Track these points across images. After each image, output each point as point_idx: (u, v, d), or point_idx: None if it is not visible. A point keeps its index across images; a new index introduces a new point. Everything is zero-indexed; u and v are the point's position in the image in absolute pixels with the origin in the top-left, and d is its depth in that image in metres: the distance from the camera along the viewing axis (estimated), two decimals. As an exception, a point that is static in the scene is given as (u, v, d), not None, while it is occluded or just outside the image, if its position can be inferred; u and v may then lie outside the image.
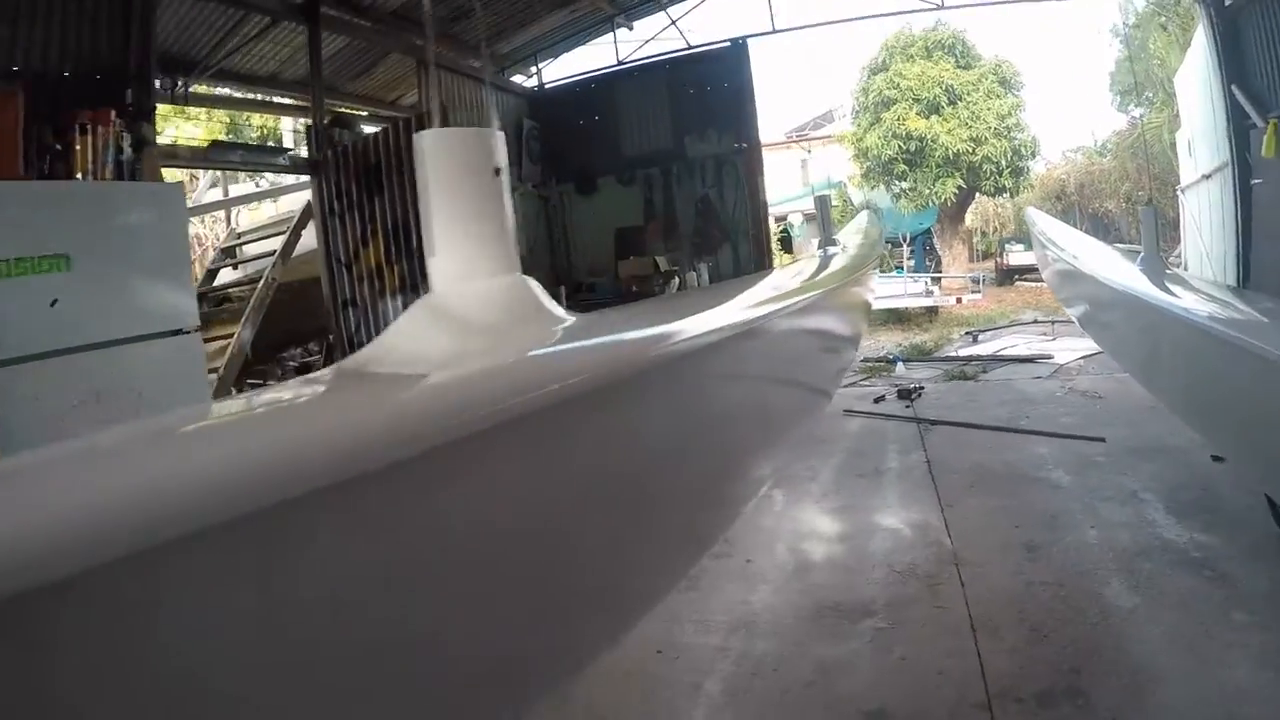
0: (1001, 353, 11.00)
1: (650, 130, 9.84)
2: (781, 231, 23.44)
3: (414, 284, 6.57)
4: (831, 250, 4.33)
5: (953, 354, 11.49)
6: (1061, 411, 7.17)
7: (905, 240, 20.77)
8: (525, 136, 10.17)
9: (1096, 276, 4.46)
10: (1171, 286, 3.86)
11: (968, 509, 5.03)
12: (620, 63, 10.09)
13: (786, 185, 25.33)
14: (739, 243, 9.37)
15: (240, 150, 7.72)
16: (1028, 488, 5.32)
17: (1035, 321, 13.32)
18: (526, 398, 0.98)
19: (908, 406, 7.90)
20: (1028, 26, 44.31)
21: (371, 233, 6.96)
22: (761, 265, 9.34)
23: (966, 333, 13.27)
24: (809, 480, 5.92)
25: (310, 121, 7.96)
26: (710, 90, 9.41)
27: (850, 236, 5.18)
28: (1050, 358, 10.06)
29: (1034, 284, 19.39)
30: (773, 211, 24.55)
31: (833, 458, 6.40)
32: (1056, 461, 5.78)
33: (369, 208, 6.93)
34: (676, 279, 9.07)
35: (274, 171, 8.77)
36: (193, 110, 10.41)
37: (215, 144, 7.61)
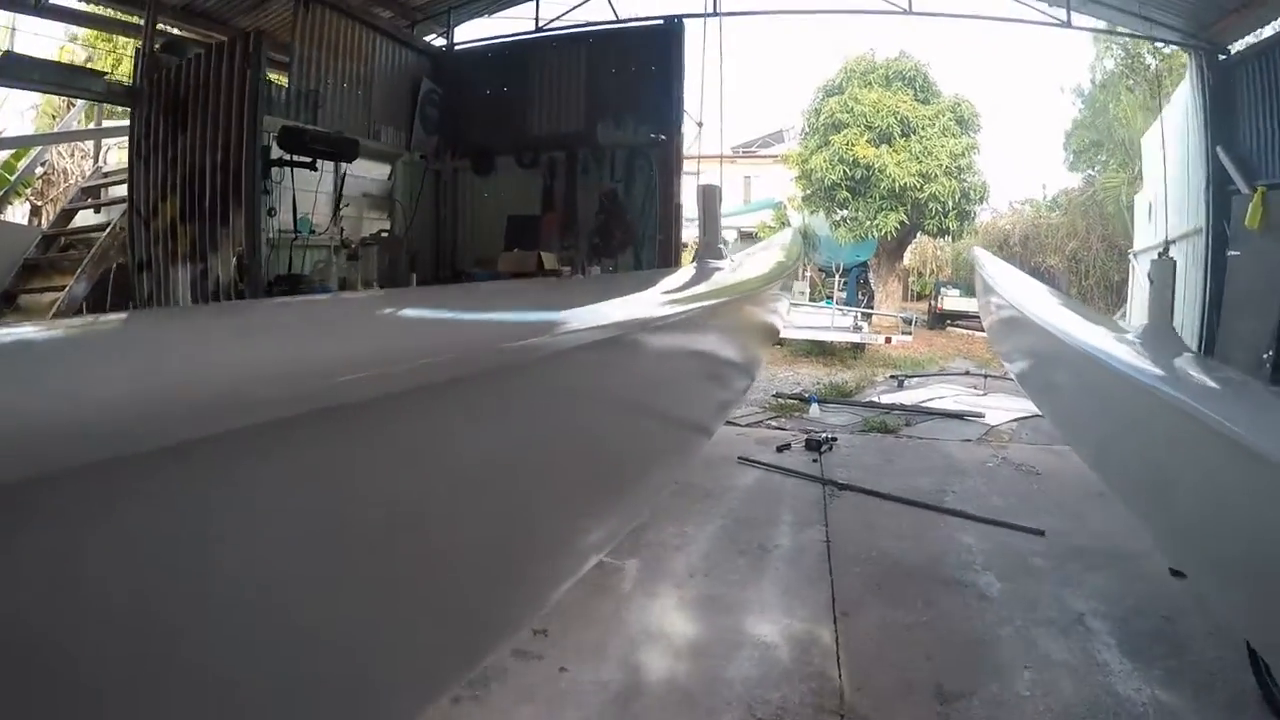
0: (928, 404, 9.97)
1: (562, 109, 8.54)
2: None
3: (204, 251, 5.16)
4: (714, 264, 3.22)
5: (875, 399, 10.43)
6: (992, 489, 6.08)
7: (839, 270, 19.84)
8: (421, 100, 8.81)
9: (1052, 330, 3.60)
10: (1177, 363, 2.76)
11: (868, 623, 3.85)
12: (538, 28, 8.79)
13: (727, 200, 24.43)
14: (643, 248, 8.06)
15: (40, 68, 6.18)
16: (948, 595, 4.16)
17: (967, 374, 12.32)
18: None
19: (815, 461, 6.74)
20: (990, 72, 44.10)
21: (172, 184, 5.54)
22: (666, 277, 8.16)
23: (892, 376, 12.24)
24: (676, 550, 4.70)
25: (141, 42, 6.53)
26: (634, 72, 8.13)
27: (764, 252, 4.74)
28: (981, 416, 9.05)
29: (966, 331, 18.66)
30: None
31: (712, 521, 5.19)
32: (985, 558, 4.65)
33: (173, 151, 5.51)
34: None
35: (87, 99, 7.25)
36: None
37: (5, 55, 6.09)
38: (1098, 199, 18.67)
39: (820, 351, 14.76)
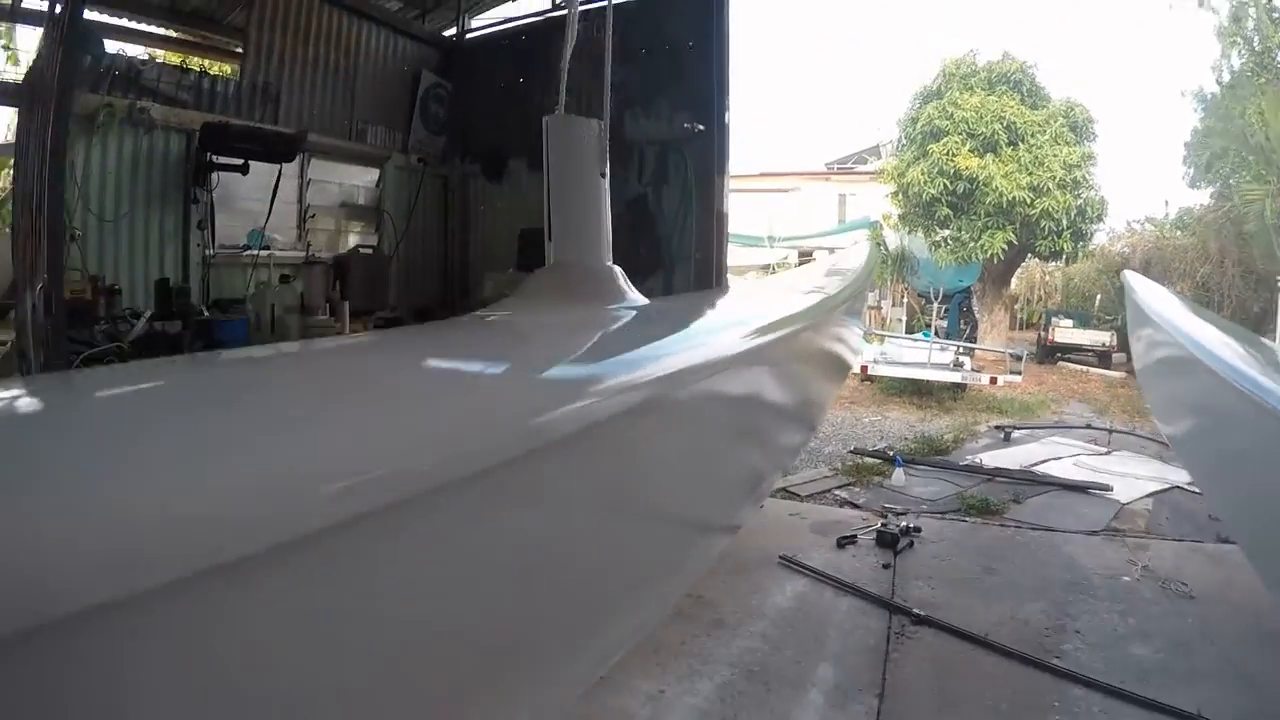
0: (1041, 467, 8.05)
1: (582, 99, 6.98)
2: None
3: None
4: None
5: (976, 459, 8.54)
6: (1131, 625, 4.20)
7: (938, 298, 17.78)
8: (423, 95, 7.42)
9: (1235, 382, 2.56)
10: None
11: None
12: (555, 6, 7.24)
13: (820, 219, 22.60)
14: (677, 268, 6.33)
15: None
16: None
17: (1089, 427, 10.17)
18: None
19: (887, 567, 4.95)
20: (1099, 76, 41.06)
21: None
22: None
23: (997, 427, 10.26)
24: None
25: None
26: (667, 50, 6.43)
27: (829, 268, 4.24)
28: (1108, 489, 7.11)
29: (1080, 367, 16.47)
30: (797, 245, 22.16)
31: (708, 677, 3.49)
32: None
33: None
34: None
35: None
36: None
37: None
38: (1233, 216, 16.09)
39: (915, 390, 12.83)
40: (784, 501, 6.51)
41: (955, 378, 12.39)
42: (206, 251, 5.75)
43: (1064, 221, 14.78)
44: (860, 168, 25.72)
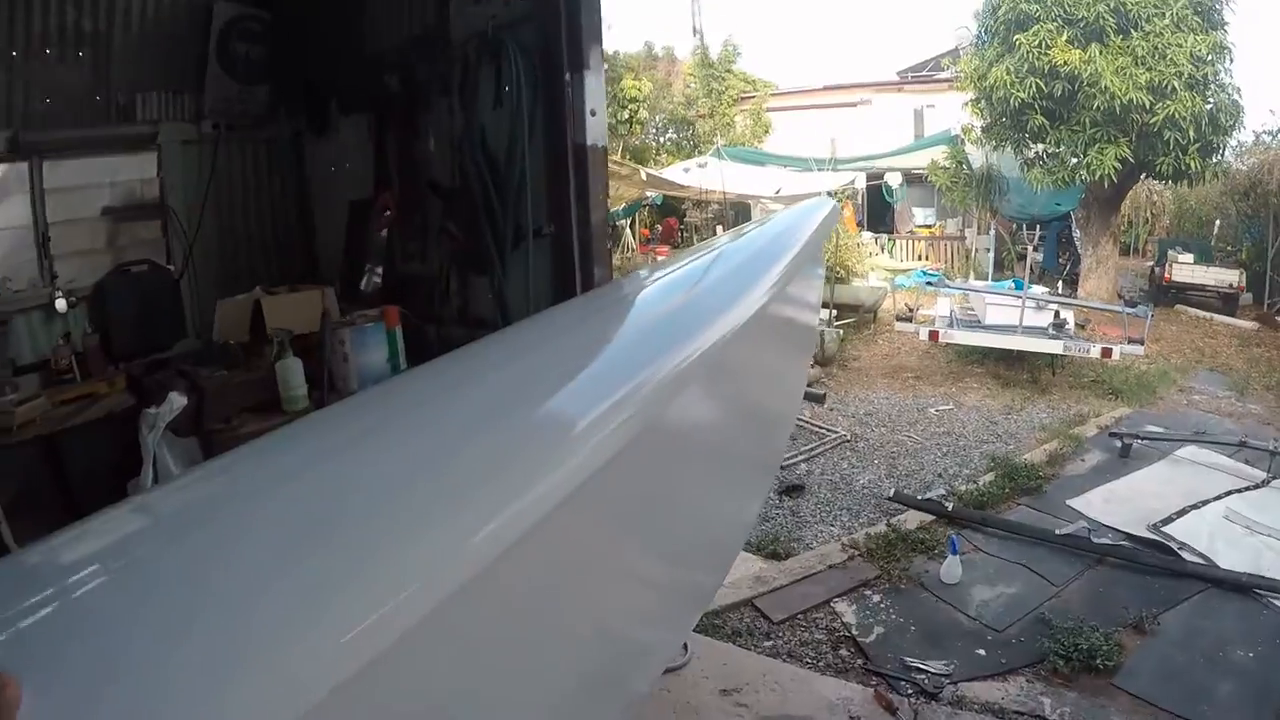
0: (1181, 533, 5.45)
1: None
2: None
3: None
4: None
5: (1079, 508, 5.97)
6: None
7: (1030, 225, 14.68)
8: (220, 34, 4.89)
9: None
10: None
11: None
12: None
13: (894, 136, 19.38)
14: (509, 260, 3.40)
15: None
16: None
17: (1243, 444, 7.02)
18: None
19: None
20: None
21: None
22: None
23: (1112, 434, 7.40)
24: None
25: None
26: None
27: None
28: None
29: (1201, 313, 13.26)
30: (866, 167, 18.95)
31: None
32: None
33: None
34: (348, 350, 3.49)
35: None
36: None
37: None
38: None
39: (1001, 358, 10.11)
40: (726, 646, 4.12)
41: (1055, 347, 9.40)
42: None
43: (1191, 132, 11.44)
44: (939, 75, 22.08)
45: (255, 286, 4.65)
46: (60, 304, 4.21)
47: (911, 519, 5.86)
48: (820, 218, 2.92)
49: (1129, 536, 5.43)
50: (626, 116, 23.66)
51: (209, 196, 5.04)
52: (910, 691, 3.75)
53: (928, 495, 6.13)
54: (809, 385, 8.30)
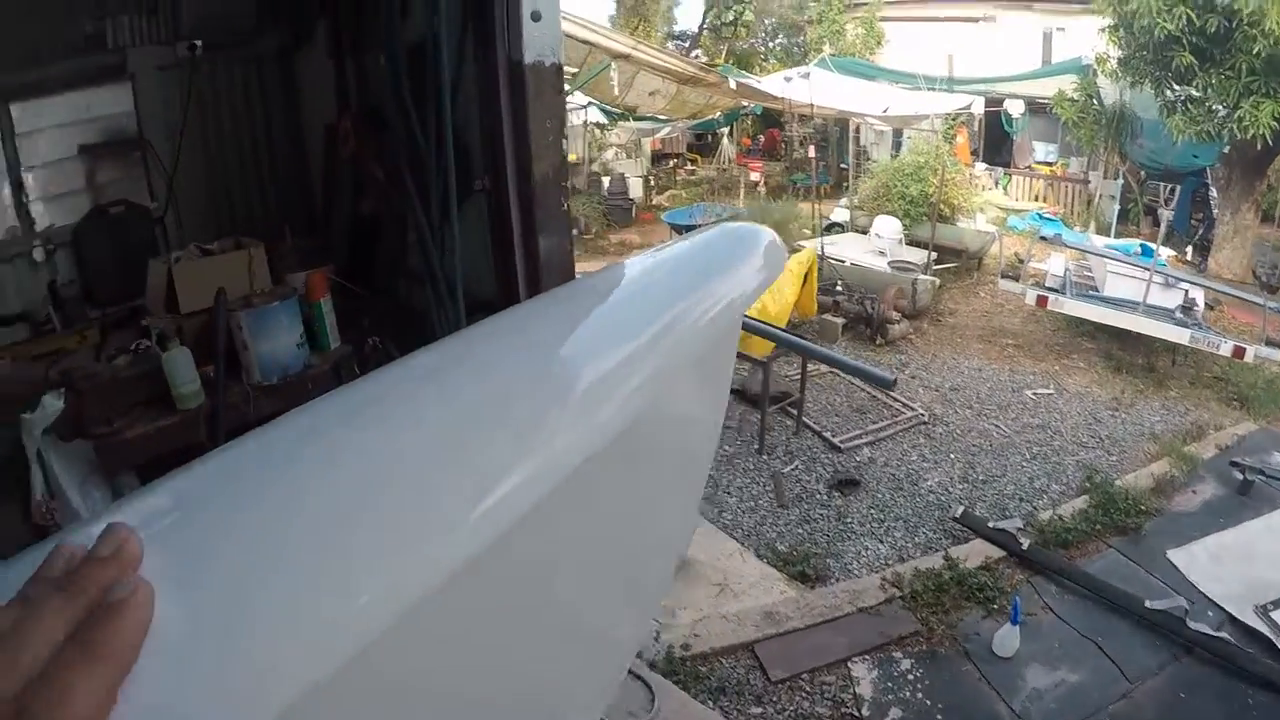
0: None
1: None
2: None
3: None
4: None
5: (1183, 566, 4.88)
6: None
7: (1160, 176, 12.99)
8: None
9: None
10: None
11: None
12: None
13: (1019, 59, 17.31)
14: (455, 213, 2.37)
15: None
16: None
17: None
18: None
19: None
20: None
21: None
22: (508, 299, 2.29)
23: (1233, 463, 6.16)
24: None
25: None
26: None
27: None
28: None
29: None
30: (986, 90, 17.17)
31: None
32: None
33: None
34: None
35: None
36: None
37: None
38: None
39: (1115, 337, 8.75)
40: (702, 710, 3.29)
41: (1181, 336, 8.00)
42: None
43: (1379, 87, 9.66)
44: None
45: (234, 228, 3.91)
46: (38, 253, 3.83)
47: (975, 551, 4.87)
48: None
49: (1231, 620, 4.35)
50: (731, 18, 22.01)
51: (187, 125, 4.21)
52: None
53: (1000, 524, 5.09)
54: (876, 365, 7.19)
